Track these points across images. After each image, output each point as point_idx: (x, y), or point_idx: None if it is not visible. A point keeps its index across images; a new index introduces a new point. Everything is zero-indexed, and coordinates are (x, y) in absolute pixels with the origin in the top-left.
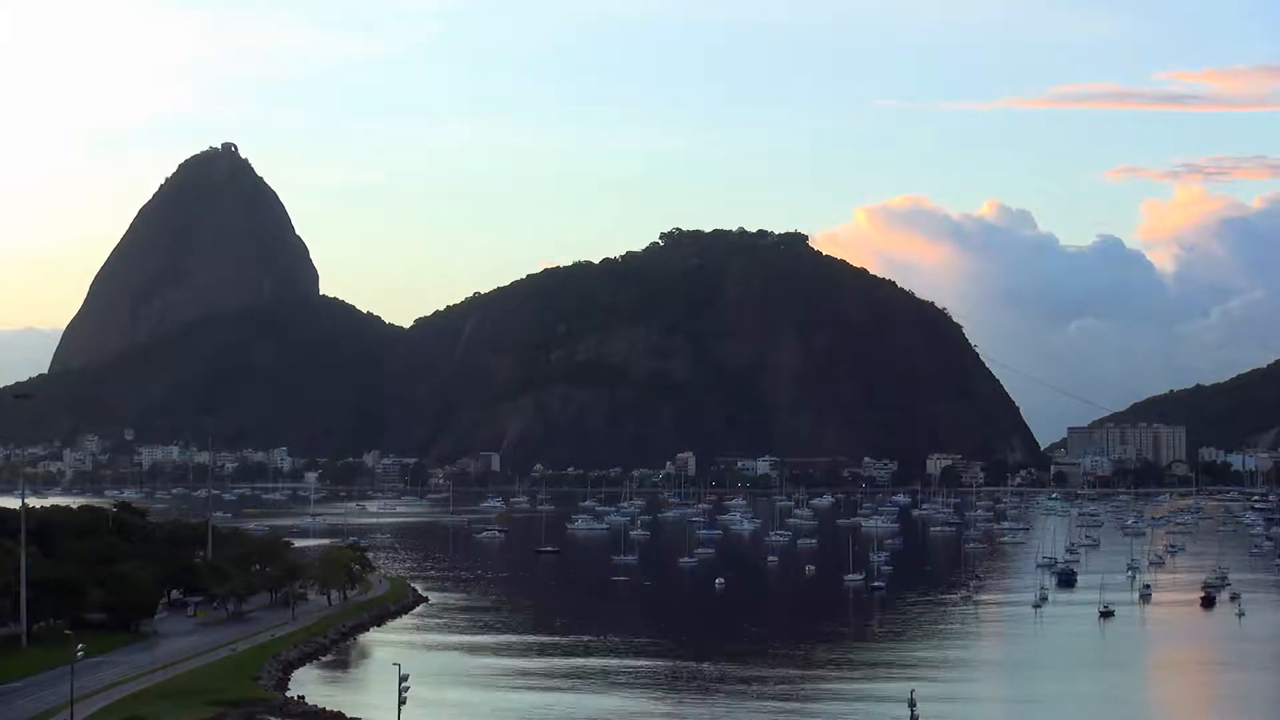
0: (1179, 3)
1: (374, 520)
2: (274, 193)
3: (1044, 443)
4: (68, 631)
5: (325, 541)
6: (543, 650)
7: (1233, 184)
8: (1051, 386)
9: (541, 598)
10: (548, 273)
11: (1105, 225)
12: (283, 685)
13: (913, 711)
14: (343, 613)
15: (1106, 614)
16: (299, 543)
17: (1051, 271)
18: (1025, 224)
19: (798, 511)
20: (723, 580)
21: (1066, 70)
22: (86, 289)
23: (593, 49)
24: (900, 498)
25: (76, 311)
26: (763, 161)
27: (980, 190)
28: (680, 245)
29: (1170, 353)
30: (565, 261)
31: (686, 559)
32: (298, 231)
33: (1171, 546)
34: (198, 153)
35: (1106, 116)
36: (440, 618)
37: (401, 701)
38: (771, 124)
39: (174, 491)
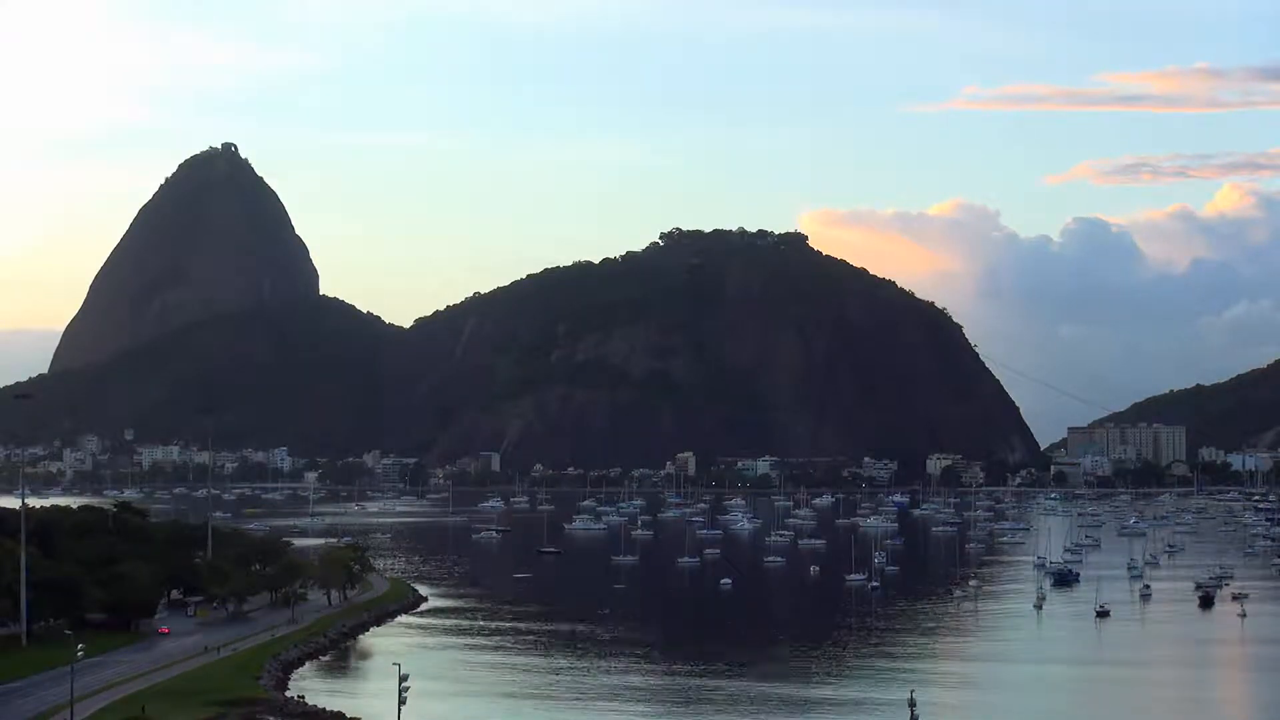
0: (1114, 8)
1: (374, 520)
2: (274, 192)
3: (1044, 443)
4: (68, 631)
5: (325, 541)
6: (543, 649)
7: (1196, 183)
8: (1051, 386)
9: (543, 598)
10: (548, 273)
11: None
12: (283, 685)
13: (913, 712)
14: (343, 613)
15: (1103, 614)
16: (299, 543)
17: (1045, 270)
18: (994, 223)
19: (798, 512)
20: (729, 580)
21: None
22: (86, 289)
23: (593, 52)
24: (900, 498)
25: (76, 311)
26: (762, 161)
27: (943, 189)
28: (680, 245)
29: (1169, 352)
30: (565, 261)
31: (687, 559)
32: (297, 231)
33: (1170, 546)
34: (198, 153)
35: (1058, 117)
36: (440, 618)
37: (401, 701)
38: (769, 125)
39: (174, 491)
